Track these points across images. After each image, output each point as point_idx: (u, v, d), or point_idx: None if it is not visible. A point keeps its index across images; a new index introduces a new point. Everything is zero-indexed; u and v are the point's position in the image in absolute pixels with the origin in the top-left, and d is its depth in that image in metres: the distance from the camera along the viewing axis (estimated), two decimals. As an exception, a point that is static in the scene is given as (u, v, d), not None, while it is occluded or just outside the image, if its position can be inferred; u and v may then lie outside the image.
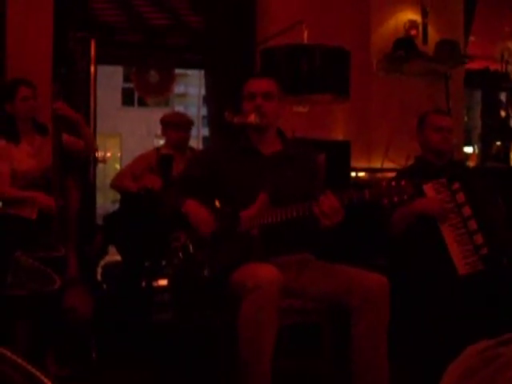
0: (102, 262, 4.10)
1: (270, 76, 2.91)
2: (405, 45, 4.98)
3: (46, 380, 1.08)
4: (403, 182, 2.46)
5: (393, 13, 5.11)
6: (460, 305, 2.94)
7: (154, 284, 4.18)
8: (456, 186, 3.15)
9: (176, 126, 4.36)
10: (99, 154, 5.00)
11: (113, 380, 3.17)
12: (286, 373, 2.70)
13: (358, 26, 5.01)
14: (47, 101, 3.90)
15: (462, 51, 5.13)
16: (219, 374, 2.81)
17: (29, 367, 1.09)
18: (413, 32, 5.05)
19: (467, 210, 3.11)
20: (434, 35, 5.10)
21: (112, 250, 4.15)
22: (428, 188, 3.13)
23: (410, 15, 5.10)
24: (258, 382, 2.46)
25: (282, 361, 2.60)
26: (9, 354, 1.11)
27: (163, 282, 4.19)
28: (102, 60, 4.47)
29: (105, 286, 4.17)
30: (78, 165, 3.73)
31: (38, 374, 1.08)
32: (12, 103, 3.47)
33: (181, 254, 2.70)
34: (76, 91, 4.45)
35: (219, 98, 4.82)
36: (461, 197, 3.13)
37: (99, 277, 4.12)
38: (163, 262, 3.96)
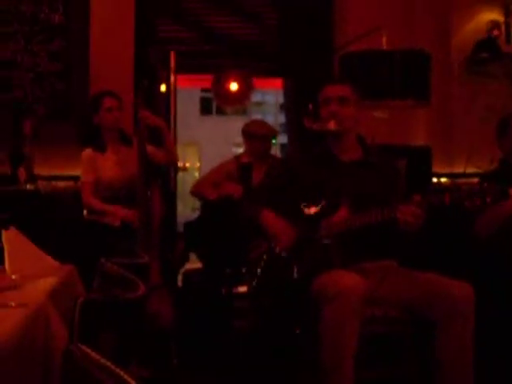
0: (183, 269, 4.17)
1: (345, 81, 2.90)
2: (487, 46, 4.85)
3: (129, 379, 1.09)
4: (485, 185, 2.39)
5: (473, 14, 4.98)
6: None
7: (234, 291, 4.20)
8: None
9: (257, 137, 4.27)
10: (179, 163, 5.08)
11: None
12: (368, 383, 2.65)
13: (438, 29, 4.91)
14: (130, 112, 4.01)
15: (549, 51, 4.96)
16: (300, 381, 2.79)
17: (113, 367, 1.11)
18: (495, 32, 4.91)
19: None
20: (518, 35, 4.94)
21: (193, 257, 4.21)
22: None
23: (492, 15, 4.96)
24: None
25: (364, 370, 2.56)
26: (93, 353, 1.14)
27: (243, 289, 4.21)
28: (182, 70, 4.55)
29: (186, 292, 4.22)
30: (160, 174, 3.81)
31: (122, 373, 1.10)
32: (98, 114, 3.59)
33: (265, 257, 2.70)
34: (157, 102, 4.55)
35: (298, 105, 4.81)
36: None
37: (180, 284, 4.18)
38: (243, 270, 3.98)
